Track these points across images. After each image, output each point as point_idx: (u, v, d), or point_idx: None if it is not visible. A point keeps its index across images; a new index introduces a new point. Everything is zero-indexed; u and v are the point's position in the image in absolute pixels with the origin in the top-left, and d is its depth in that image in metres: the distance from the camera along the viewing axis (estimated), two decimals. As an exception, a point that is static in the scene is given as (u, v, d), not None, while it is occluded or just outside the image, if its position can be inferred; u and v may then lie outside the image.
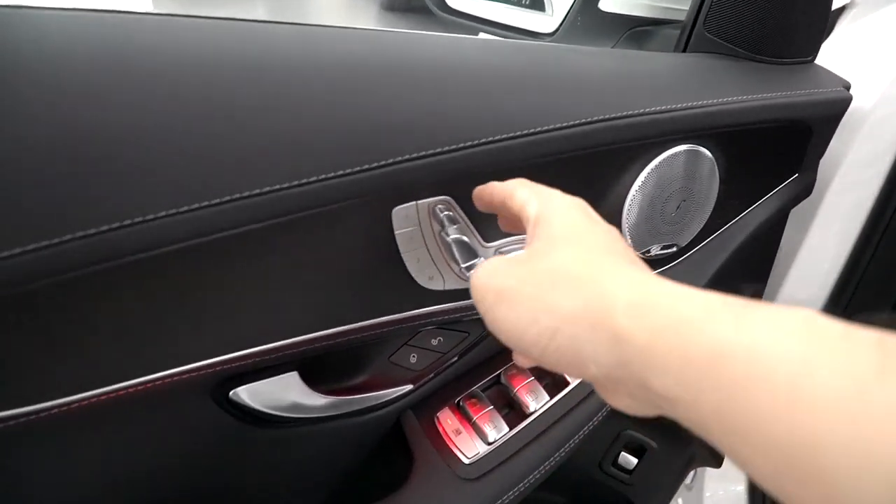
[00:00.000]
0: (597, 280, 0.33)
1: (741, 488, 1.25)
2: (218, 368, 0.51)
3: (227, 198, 0.43)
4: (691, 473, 1.18)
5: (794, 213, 0.82)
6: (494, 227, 0.57)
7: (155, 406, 0.51)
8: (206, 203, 0.42)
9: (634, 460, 0.93)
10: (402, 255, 0.54)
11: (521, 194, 0.44)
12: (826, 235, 0.97)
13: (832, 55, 0.86)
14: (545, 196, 0.42)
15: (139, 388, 0.48)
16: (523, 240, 0.58)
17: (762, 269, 0.83)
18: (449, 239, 0.53)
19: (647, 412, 0.33)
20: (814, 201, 0.94)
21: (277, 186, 0.44)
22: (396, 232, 0.52)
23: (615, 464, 0.94)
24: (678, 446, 0.93)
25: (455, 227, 0.54)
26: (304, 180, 0.45)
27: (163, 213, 0.41)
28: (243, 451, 0.60)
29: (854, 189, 0.93)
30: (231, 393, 0.55)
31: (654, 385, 0.29)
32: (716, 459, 1.01)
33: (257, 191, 0.43)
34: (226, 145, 0.43)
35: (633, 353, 0.30)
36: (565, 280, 0.34)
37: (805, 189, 0.75)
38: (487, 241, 0.57)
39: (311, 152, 0.46)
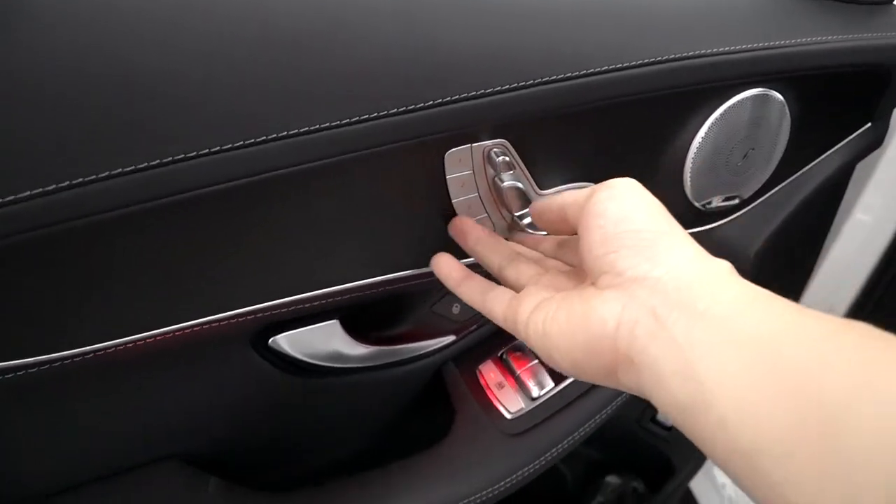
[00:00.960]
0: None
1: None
2: (259, 315, 0.49)
3: (274, 136, 0.40)
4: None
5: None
6: (551, 173, 0.54)
7: (195, 353, 0.50)
8: (251, 140, 0.39)
9: (673, 416, 0.91)
10: (453, 201, 0.51)
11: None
12: (883, 196, 0.93)
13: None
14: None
15: (178, 333, 0.46)
16: (579, 187, 0.55)
17: (822, 229, 0.79)
18: (503, 185, 0.50)
19: None
20: (872, 160, 0.89)
21: (328, 124, 0.41)
22: (448, 176, 0.49)
23: (654, 419, 0.92)
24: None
25: (510, 173, 0.50)
26: (355, 118, 0.42)
27: (206, 151, 0.38)
28: (284, 400, 0.58)
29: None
30: (270, 340, 0.53)
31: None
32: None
33: (305, 128, 0.40)
34: (274, 81, 0.40)
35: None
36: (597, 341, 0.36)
37: (876, 140, 0.70)
38: (542, 189, 0.54)
39: (363, 90, 0.42)
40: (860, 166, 0.80)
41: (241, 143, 0.39)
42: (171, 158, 0.38)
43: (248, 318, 0.48)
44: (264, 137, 0.39)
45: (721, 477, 1.27)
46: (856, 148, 0.69)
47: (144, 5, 0.38)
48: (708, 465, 1.27)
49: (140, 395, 0.51)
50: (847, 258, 1.00)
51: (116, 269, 0.41)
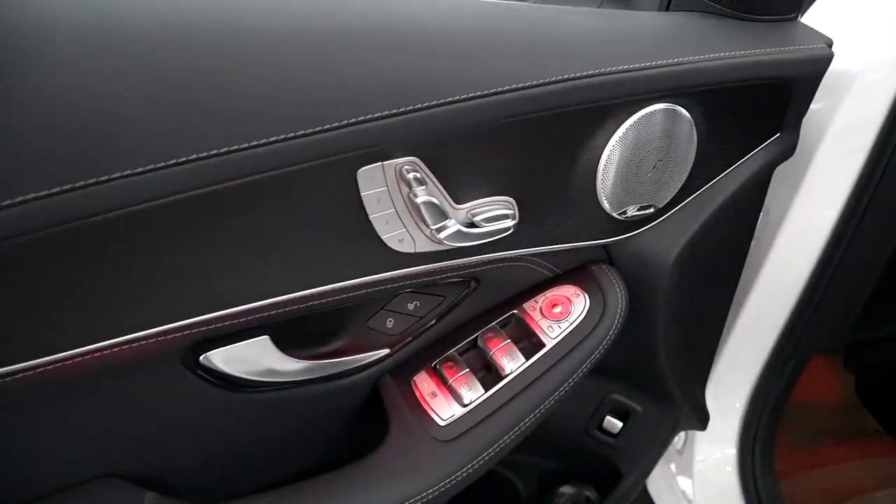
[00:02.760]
0: None
1: (732, 451, 1.26)
2: (187, 332, 0.51)
3: (186, 158, 0.42)
4: (681, 438, 1.19)
5: (781, 179, 0.81)
6: (464, 188, 0.57)
7: (124, 372, 0.52)
8: (166, 163, 0.42)
9: (619, 424, 0.93)
10: (371, 217, 0.53)
11: None
12: (812, 203, 0.96)
13: (822, 15, 0.84)
14: None
15: (105, 352, 0.48)
16: (495, 202, 0.59)
17: (743, 236, 0.83)
18: (418, 201, 0.53)
19: None
20: (800, 168, 0.93)
21: (237, 147, 0.44)
22: (363, 193, 0.52)
23: (600, 428, 0.94)
24: (663, 409, 0.93)
25: (423, 188, 0.53)
26: (265, 140, 0.45)
27: (127, 173, 0.41)
28: (220, 416, 0.60)
29: (841, 156, 0.92)
30: (202, 357, 0.55)
31: None
32: (701, 422, 1.01)
33: (215, 151, 0.43)
34: (186, 105, 0.43)
35: None
36: None
37: (787, 150, 0.74)
38: (458, 203, 0.57)
39: (273, 112, 0.45)
40: (789, 172, 0.83)
41: (150, 167, 0.42)
42: (82, 183, 0.40)
43: (177, 335, 0.51)
44: (173, 161, 0.42)
45: (683, 484, 1.29)
46: (768, 156, 0.73)
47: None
48: (670, 473, 1.29)
49: (72, 416, 0.52)
50: (784, 267, 1.03)
51: (34, 289, 0.43)
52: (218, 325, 0.52)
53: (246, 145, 0.44)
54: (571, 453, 0.97)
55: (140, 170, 0.41)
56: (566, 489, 1.02)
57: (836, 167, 0.94)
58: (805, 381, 1.25)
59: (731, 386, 1.19)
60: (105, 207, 0.41)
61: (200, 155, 0.43)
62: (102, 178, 0.40)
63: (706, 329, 0.90)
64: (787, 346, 1.09)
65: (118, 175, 0.41)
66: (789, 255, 1.03)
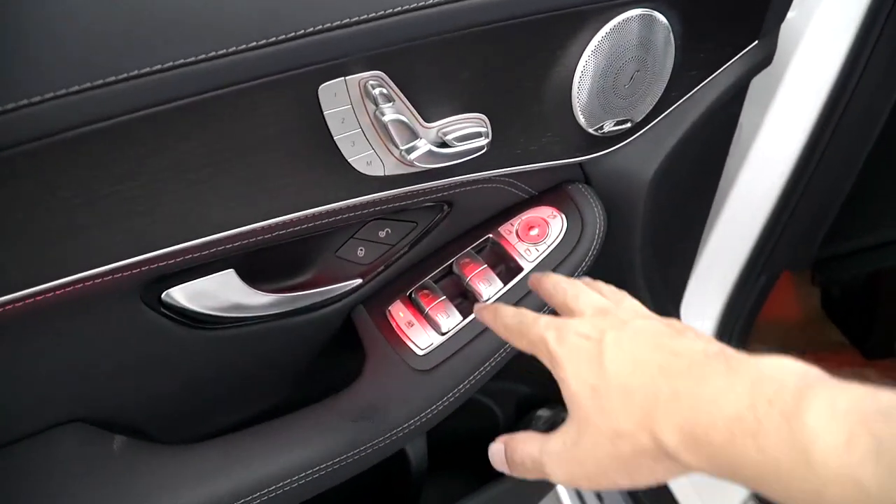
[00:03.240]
0: (644, 427, 0.36)
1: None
2: (145, 268, 0.48)
3: (128, 74, 0.38)
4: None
5: (754, 92, 0.79)
6: (434, 105, 0.53)
7: (82, 312, 0.48)
8: (105, 80, 0.38)
9: (596, 346, 0.93)
10: (335, 138, 0.50)
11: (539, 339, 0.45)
12: (785, 117, 0.95)
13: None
14: (552, 358, 0.43)
15: (59, 292, 0.45)
16: (467, 119, 0.55)
17: (719, 150, 0.81)
18: (385, 119, 0.50)
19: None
20: (773, 80, 0.91)
21: (185, 61, 0.40)
22: (325, 112, 0.48)
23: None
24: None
25: (391, 105, 0.50)
26: (217, 53, 0.40)
27: (63, 92, 0.37)
28: (187, 355, 0.58)
29: (814, 67, 0.90)
30: (164, 294, 0.52)
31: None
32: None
33: (158, 66, 0.39)
34: (127, 15, 0.39)
35: (700, 471, 0.34)
36: (622, 440, 0.37)
37: (765, 59, 0.72)
38: (428, 122, 0.53)
39: (225, 23, 0.41)
40: (762, 85, 0.81)
41: (97, 83, 0.38)
42: (12, 105, 0.36)
43: (132, 271, 0.47)
44: (122, 76, 0.38)
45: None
46: (745, 66, 0.70)
47: None
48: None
49: (28, 359, 0.49)
50: (756, 183, 1.02)
51: None
52: (178, 260, 0.49)
53: (195, 58, 0.40)
54: (548, 377, 0.97)
55: (77, 88, 0.37)
56: (543, 412, 1.02)
57: (810, 79, 0.93)
58: (773, 298, 1.27)
59: (702, 303, 1.19)
60: (41, 131, 0.37)
61: (143, 70, 0.38)
62: (35, 100, 0.36)
63: (682, 246, 0.89)
64: (759, 262, 1.09)
65: (52, 95, 0.36)
66: (761, 170, 1.02)
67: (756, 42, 0.69)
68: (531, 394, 1.01)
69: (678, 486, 1.21)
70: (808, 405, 0.30)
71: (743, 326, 1.21)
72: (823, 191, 1.04)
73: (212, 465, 0.54)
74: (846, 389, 0.30)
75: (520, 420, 1.02)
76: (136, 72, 0.38)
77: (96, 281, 0.46)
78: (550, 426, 1.02)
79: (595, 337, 0.41)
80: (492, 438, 0.92)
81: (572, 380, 0.40)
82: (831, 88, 0.92)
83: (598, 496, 1.32)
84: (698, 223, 0.87)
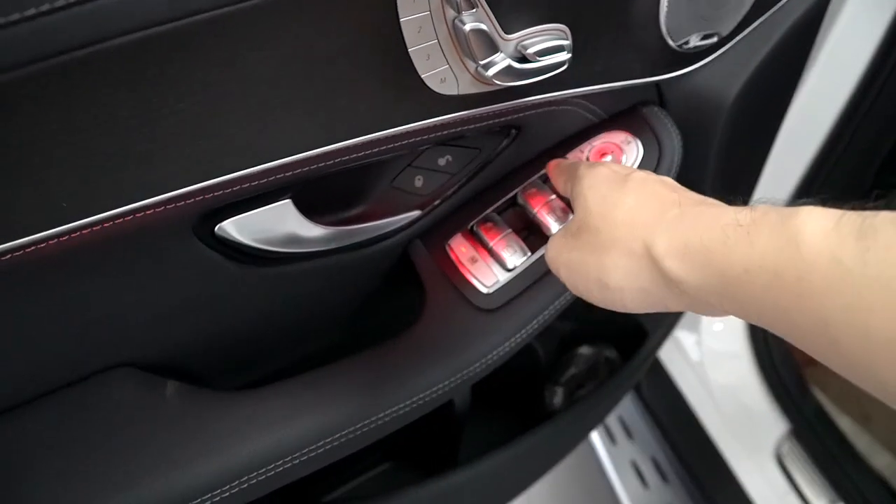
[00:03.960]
0: (639, 237, 0.39)
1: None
2: (199, 198, 0.43)
3: None
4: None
5: None
6: (514, 13, 0.47)
7: (130, 247, 0.43)
8: None
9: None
10: (410, 50, 0.44)
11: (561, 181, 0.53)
12: (846, 43, 0.89)
13: None
14: (576, 176, 0.48)
15: (107, 224, 0.40)
16: (548, 30, 0.49)
17: (795, 74, 0.75)
18: (466, 28, 0.44)
19: None
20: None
21: None
22: (402, 19, 0.42)
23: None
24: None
25: (472, 12, 0.44)
26: None
27: None
28: (240, 293, 0.53)
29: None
30: (217, 228, 0.47)
31: (715, 305, 0.36)
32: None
33: None
34: None
35: (688, 289, 0.36)
36: (614, 246, 0.40)
37: None
38: (508, 33, 0.47)
39: None
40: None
41: None
42: (64, 2, 0.30)
43: (187, 202, 0.42)
44: None
45: (686, 341, 1.28)
46: None
47: None
48: (674, 331, 1.28)
49: (74, 300, 0.44)
50: (810, 113, 0.97)
51: (22, 147, 0.34)
52: (236, 189, 0.44)
53: None
54: (593, 314, 0.93)
55: None
56: (584, 350, 0.99)
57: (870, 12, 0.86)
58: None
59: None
60: (94, 35, 0.31)
61: None
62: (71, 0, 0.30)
63: (748, 174, 0.84)
64: (811, 190, 1.05)
65: None
66: (816, 100, 0.96)
67: None
68: (573, 330, 0.97)
69: (712, 426, 1.19)
70: (801, 208, 0.32)
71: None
72: (880, 119, 0.99)
73: (275, 412, 0.50)
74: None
75: (562, 356, 0.99)
76: None
77: (147, 213, 0.41)
78: (592, 365, 0.99)
79: (623, 172, 0.45)
80: (532, 376, 0.90)
81: (588, 191, 0.45)
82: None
83: (628, 432, 1.31)
84: (765, 150, 0.82)
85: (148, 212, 0.41)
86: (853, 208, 0.31)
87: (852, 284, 0.28)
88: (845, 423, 1.18)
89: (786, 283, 0.30)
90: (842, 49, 0.87)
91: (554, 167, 0.55)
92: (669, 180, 0.44)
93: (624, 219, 0.41)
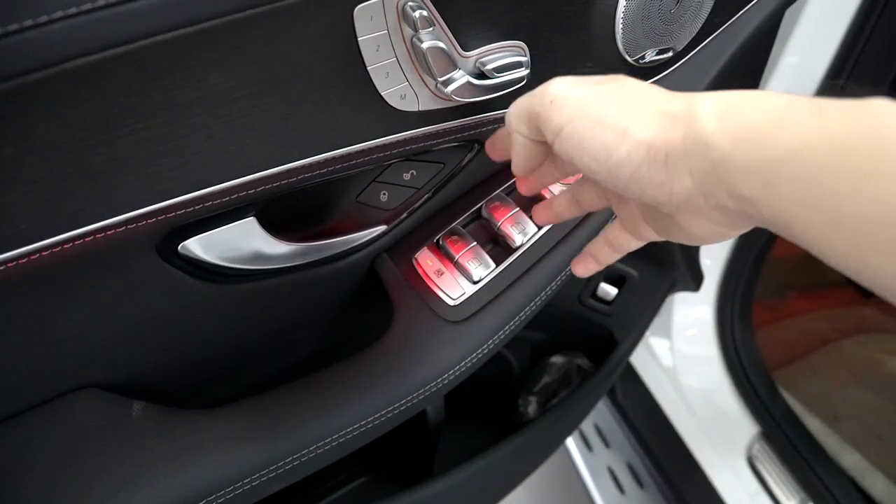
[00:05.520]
0: (681, 95, 0.33)
1: (709, 309, 1.26)
2: (160, 217, 0.43)
3: None
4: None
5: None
6: (472, 30, 0.48)
7: (92, 267, 0.43)
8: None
9: (614, 291, 0.90)
10: (369, 68, 0.45)
11: (519, 108, 0.40)
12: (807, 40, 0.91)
13: None
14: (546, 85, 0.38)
15: (67, 246, 0.40)
16: (506, 47, 0.50)
17: (754, 78, 0.77)
18: (424, 46, 0.45)
19: (727, 233, 0.35)
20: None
21: None
22: (360, 38, 0.43)
23: (594, 295, 0.91)
24: (659, 273, 0.90)
25: (430, 30, 0.45)
26: None
27: (72, 11, 0.31)
28: (206, 311, 0.53)
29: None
30: (181, 246, 0.47)
31: (741, 188, 0.29)
32: (696, 283, 0.99)
33: None
34: None
35: (721, 158, 0.30)
36: (652, 96, 0.34)
37: None
38: (466, 50, 0.48)
39: None
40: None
41: (90, 6, 0.32)
42: (18, 26, 0.31)
43: (148, 221, 0.42)
44: None
45: (659, 348, 1.30)
46: None
47: None
48: (646, 337, 1.30)
49: (36, 321, 0.44)
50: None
51: None
52: (199, 207, 0.44)
53: None
54: (564, 323, 0.94)
55: (90, 6, 0.31)
56: (557, 359, 1.00)
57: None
58: (778, 237, 1.25)
59: (712, 245, 1.17)
60: (49, 58, 0.32)
61: None
62: (42, 20, 0.31)
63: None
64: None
65: (60, 15, 0.31)
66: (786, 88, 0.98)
67: None
68: (545, 340, 0.98)
69: (685, 430, 1.20)
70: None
71: (752, 267, 1.19)
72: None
73: (241, 430, 0.50)
74: None
75: (534, 366, 1.00)
76: None
77: (108, 233, 0.41)
78: (564, 373, 1.00)
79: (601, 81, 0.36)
80: (506, 386, 0.90)
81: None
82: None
83: (604, 439, 1.32)
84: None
85: (109, 232, 0.41)
86: None
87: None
88: (814, 424, 1.20)
89: (854, 163, 0.26)
90: (798, 59, 0.89)
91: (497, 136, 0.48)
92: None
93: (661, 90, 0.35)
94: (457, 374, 0.58)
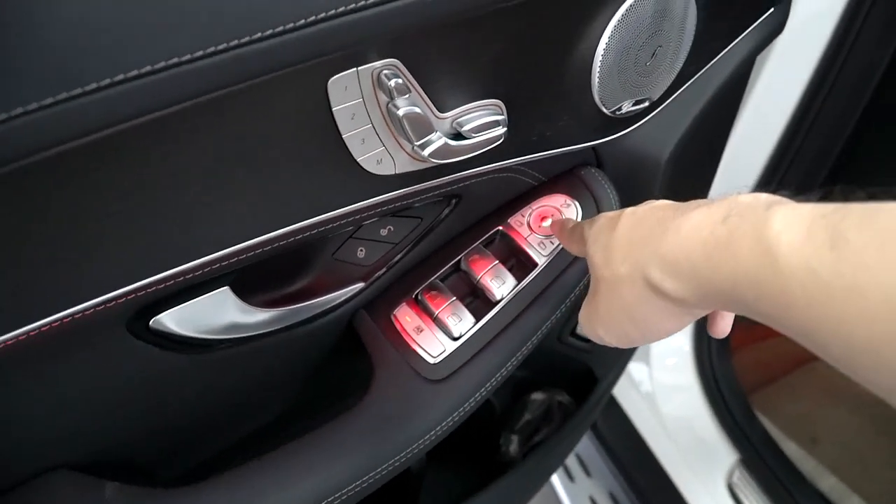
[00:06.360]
0: (637, 268, 0.40)
1: (687, 339, 1.26)
2: (131, 297, 0.41)
3: (111, 80, 0.31)
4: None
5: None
6: (448, 91, 0.47)
7: (59, 351, 0.42)
8: (82, 90, 0.31)
9: (594, 328, 0.90)
10: (344, 136, 0.44)
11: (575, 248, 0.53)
12: (780, 77, 0.92)
13: None
14: (583, 240, 0.49)
15: (34, 334, 0.38)
16: (482, 106, 0.50)
17: (727, 125, 0.77)
18: (400, 113, 0.44)
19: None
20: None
21: (176, 60, 0.33)
22: (335, 108, 0.42)
23: (573, 333, 0.90)
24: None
25: (406, 97, 0.44)
26: (211, 50, 0.34)
27: (32, 107, 0.30)
28: (180, 381, 0.51)
29: (810, 25, 0.87)
30: (152, 321, 0.46)
31: (729, 309, 0.40)
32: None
33: (147, 69, 0.32)
34: (109, 11, 0.31)
35: (694, 303, 0.38)
36: (623, 284, 0.42)
37: (778, 26, 0.67)
38: (443, 112, 0.47)
39: (219, 15, 0.34)
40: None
41: (75, 92, 0.31)
42: None
43: (118, 301, 0.41)
44: (106, 81, 0.31)
45: (638, 375, 1.30)
46: (760, 35, 0.66)
47: None
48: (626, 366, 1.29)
49: (4, 405, 0.43)
50: (749, 141, 1.00)
51: None
52: (171, 283, 0.42)
53: (191, 56, 0.33)
54: (544, 361, 0.93)
55: (51, 101, 0.30)
56: (537, 395, 0.99)
57: (804, 39, 0.89)
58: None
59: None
60: (11, 152, 0.30)
61: (131, 74, 0.32)
62: (1, 118, 0.29)
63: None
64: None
65: (21, 111, 0.29)
66: (755, 129, 0.99)
67: (772, 10, 0.65)
68: (525, 377, 0.97)
69: (666, 458, 1.20)
70: (773, 212, 0.32)
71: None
72: (813, 154, 1.02)
73: None
74: (811, 202, 0.32)
75: (515, 403, 0.99)
76: (121, 76, 0.31)
77: (77, 317, 0.39)
78: (545, 410, 0.99)
79: (616, 216, 0.45)
80: (487, 425, 0.89)
81: (592, 247, 0.46)
82: (824, 49, 0.90)
83: (585, 469, 1.31)
84: (703, 196, 0.84)
85: (77, 316, 0.39)
86: (820, 200, 0.32)
87: (831, 296, 0.28)
88: (791, 449, 1.21)
89: (771, 296, 0.31)
90: (768, 101, 0.90)
91: (565, 237, 0.54)
92: (659, 201, 0.45)
93: (621, 257, 0.42)
94: (439, 433, 0.56)
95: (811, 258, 0.29)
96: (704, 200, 0.39)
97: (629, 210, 0.45)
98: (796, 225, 0.30)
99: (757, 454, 1.16)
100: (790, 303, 0.30)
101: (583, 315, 0.49)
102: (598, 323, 0.46)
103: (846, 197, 0.32)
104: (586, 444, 1.31)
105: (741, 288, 0.32)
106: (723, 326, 0.48)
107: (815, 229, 0.29)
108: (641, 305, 0.41)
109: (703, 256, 0.35)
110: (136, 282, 0.40)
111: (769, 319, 0.32)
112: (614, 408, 1.28)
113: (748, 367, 1.32)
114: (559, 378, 0.98)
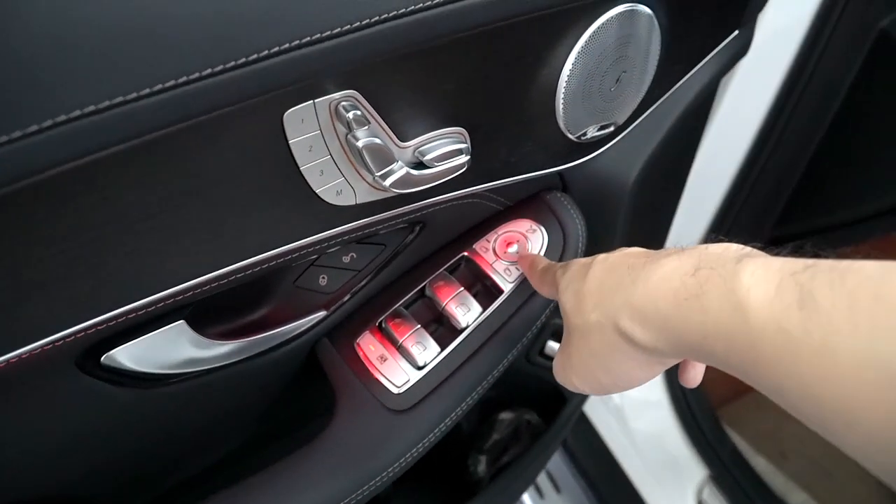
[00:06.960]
0: (608, 317, 0.40)
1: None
2: (80, 335, 0.40)
3: (53, 121, 0.30)
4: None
5: None
6: (409, 120, 0.46)
7: (5, 390, 0.40)
8: (22, 132, 0.30)
9: (561, 347, 0.89)
10: (301, 169, 0.43)
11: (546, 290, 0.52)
12: (740, 103, 0.92)
13: None
14: (556, 286, 0.48)
15: None
16: (445, 135, 0.49)
17: (693, 147, 0.77)
18: (359, 144, 0.43)
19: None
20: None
21: (120, 99, 0.32)
22: (291, 141, 0.41)
23: (542, 353, 0.89)
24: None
25: (365, 129, 0.43)
26: (161, 87, 0.32)
27: None
28: (135, 415, 0.50)
29: (770, 53, 0.88)
30: (104, 357, 0.44)
31: (700, 359, 0.36)
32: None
33: (93, 108, 0.31)
34: (50, 46, 0.30)
35: (665, 352, 0.37)
36: (594, 333, 0.41)
37: (742, 49, 0.68)
38: (404, 141, 0.46)
39: (170, 49, 0.33)
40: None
41: (15, 135, 0.29)
42: None
43: (66, 340, 0.39)
44: (47, 123, 0.30)
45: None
46: (724, 58, 0.66)
47: None
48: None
49: None
50: (714, 162, 1.00)
51: None
52: (118, 321, 0.41)
53: (137, 94, 0.32)
54: (512, 381, 0.93)
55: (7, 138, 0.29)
56: (506, 415, 0.98)
57: (765, 66, 0.90)
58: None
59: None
60: None
61: (73, 115, 0.30)
62: None
63: (655, 244, 0.85)
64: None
65: None
66: (715, 156, 1.00)
67: (737, 32, 0.65)
68: (494, 397, 0.96)
69: (636, 475, 1.20)
70: (744, 266, 0.32)
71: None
72: (776, 176, 1.03)
73: None
74: (781, 257, 0.32)
75: (483, 423, 0.98)
76: (63, 117, 0.30)
77: (23, 357, 0.38)
78: (514, 429, 0.98)
79: (589, 262, 0.45)
80: (454, 445, 0.88)
81: (564, 294, 0.45)
82: (786, 75, 0.90)
83: (555, 485, 1.31)
84: (669, 219, 0.84)
85: (23, 356, 0.38)
86: (790, 254, 0.32)
87: (799, 356, 0.28)
88: (761, 464, 1.22)
89: (741, 350, 0.31)
90: (733, 123, 0.90)
91: (536, 278, 0.54)
92: (631, 248, 0.45)
93: (592, 305, 0.41)
94: (403, 464, 0.55)
95: (780, 317, 0.29)
96: (675, 249, 0.39)
97: (601, 256, 0.45)
98: (766, 282, 0.30)
99: (726, 470, 1.17)
100: (760, 359, 0.30)
101: (557, 364, 0.48)
102: (571, 371, 0.45)
103: (816, 253, 0.32)
104: (556, 461, 1.31)
105: (711, 340, 0.32)
106: (693, 375, 0.47)
107: (785, 287, 0.29)
108: (613, 354, 0.40)
109: (674, 307, 0.34)
110: (81, 322, 0.38)
111: (739, 373, 0.32)
112: (584, 424, 1.28)
113: (716, 381, 1.32)
114: (528, 397, 0.97)
